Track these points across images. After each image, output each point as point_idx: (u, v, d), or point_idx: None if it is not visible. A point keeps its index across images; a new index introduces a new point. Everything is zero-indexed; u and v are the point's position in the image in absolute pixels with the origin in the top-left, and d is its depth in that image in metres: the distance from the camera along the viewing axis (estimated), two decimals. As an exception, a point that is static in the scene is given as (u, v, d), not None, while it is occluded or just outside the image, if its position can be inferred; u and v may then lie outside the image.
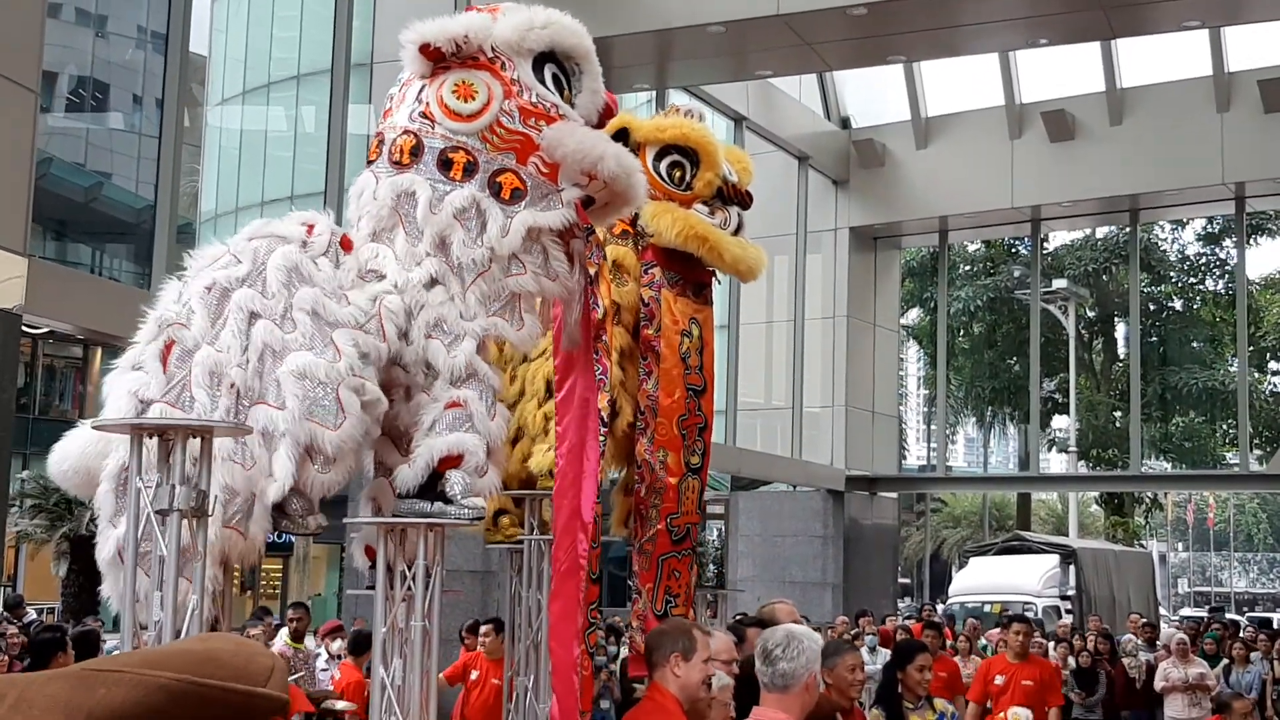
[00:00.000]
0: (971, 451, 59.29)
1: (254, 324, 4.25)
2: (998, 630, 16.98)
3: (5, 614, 14.06)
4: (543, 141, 4.51)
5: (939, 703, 6.81)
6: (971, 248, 37.46)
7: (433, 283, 4.50)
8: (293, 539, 23.71)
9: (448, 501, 4.47)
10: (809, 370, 22.75)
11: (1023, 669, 10.74)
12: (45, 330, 13.22)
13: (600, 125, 4.79)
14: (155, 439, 3.81)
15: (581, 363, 5.03)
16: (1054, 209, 23.23)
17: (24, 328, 8.60)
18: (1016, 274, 35.45)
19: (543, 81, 4.59)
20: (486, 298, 4.54)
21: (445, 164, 4.53)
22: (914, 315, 39.04)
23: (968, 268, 38.25)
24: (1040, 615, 22.94)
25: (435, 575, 4.68)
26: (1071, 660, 14.27)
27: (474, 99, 4.53)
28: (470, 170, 4.54)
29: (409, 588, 4.63)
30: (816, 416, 23.11)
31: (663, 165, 6.04)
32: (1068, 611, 23.58)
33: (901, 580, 38.62)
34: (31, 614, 16.67)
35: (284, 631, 11.02)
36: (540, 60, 4.62)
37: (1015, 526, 37.56)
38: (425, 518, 4.50)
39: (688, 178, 6.05)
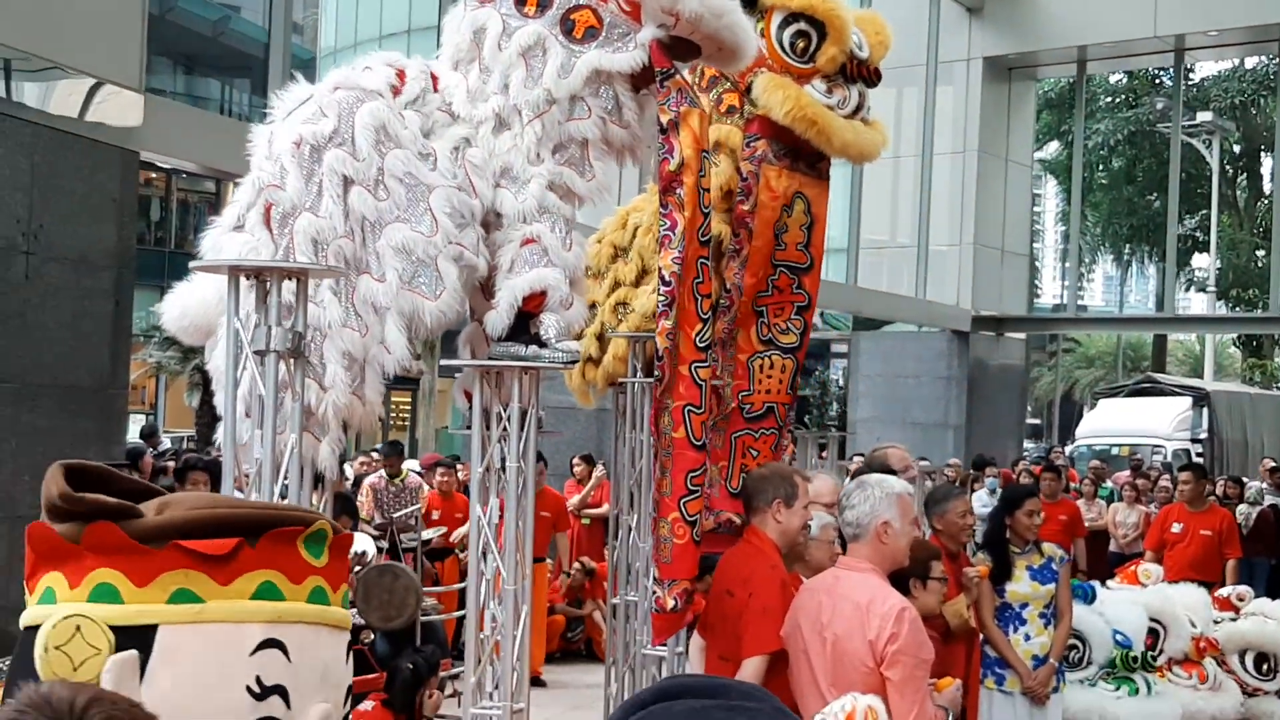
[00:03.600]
0: (1109, 290, 58.00)
1: (349, 190, 4.23)
2: (1125, 474, 16.75)
3: (141, 441, 14.63)
4: None
5: (1047, 547, 6.73)
6: (1112, 79, 36.13)
7: (500, 125, 4.40)
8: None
9: (542, 345, 4.47)
10: (936, 207, 22.21)
11: (1201, 518, 10.53)
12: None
13: None
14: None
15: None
16: (1199, 38, 22.10)
17: (146, 163, 8.69)
18: (1159, 106, 34.17)
19: None
20: (547, 141, 4.41)
21: None
22: (1050, 150, 37.92)
23: (1107, 100, 36.97)
24: (1170, 459, 22.58)
25: (530, 417, 4.71)
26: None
27: None
28: (545, 5, 4.38)
29: (504, 429, 4.66)
30: (943, 255, 22.65)
31: (786, 34, 5.65)
32: (1199, 455, 23.14)
33: (1031, 421, 38.19)
34: (166, 442, 17.34)
35: None
36: None
37: (1150, 368, 36.82)
38: (520, 360, 4.50)
39: (812, 49, 5.65)
